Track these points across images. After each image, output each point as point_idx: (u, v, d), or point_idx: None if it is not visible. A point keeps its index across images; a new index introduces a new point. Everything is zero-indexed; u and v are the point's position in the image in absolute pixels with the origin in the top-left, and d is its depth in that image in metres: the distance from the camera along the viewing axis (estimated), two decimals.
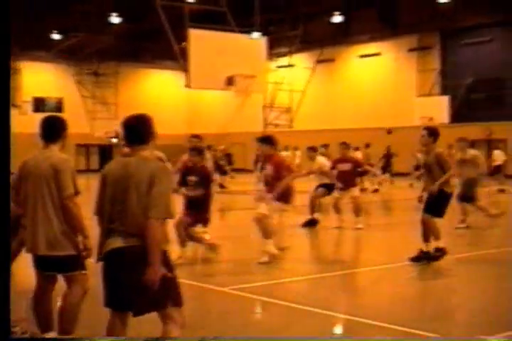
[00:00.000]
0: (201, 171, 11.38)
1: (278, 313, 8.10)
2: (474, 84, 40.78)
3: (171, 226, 10.85)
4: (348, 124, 45.21)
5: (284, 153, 31.02)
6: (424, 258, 10.71)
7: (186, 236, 11.07)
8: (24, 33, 41.67)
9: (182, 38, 25.11)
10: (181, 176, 11.46)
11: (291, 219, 14.21)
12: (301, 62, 49.79)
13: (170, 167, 10.88)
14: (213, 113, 55.32)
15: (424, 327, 7.04)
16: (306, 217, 15.91)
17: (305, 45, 47.93)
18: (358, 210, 15.63)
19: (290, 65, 49.79)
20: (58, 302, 6.27)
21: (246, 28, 27.09)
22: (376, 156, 31.29)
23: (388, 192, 28.41)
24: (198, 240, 11.54)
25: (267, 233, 11.10)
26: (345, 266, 11.30)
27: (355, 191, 15.89)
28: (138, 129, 5.30)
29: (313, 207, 15.99)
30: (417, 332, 6.89)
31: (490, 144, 38.37)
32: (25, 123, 32.01)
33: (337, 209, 15.79)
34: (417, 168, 23.87)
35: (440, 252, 10.71)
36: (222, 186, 27.95)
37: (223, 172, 29.00)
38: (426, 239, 10.78)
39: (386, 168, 31.17)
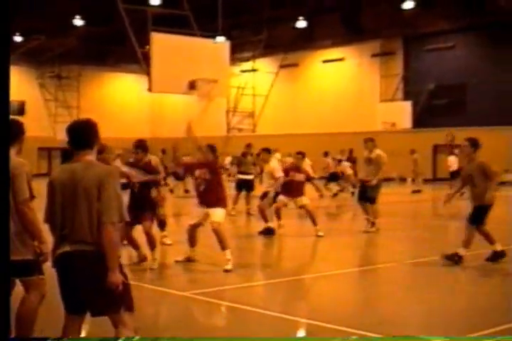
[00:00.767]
0: (144, 168, 11.25)
1: (238, 317, 8.12)
2: (437, 89, 41.15)
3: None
4: (311, 129, 45.39)
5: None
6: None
7: (126, 236, 10.77)
8: None
9: (145, 41, 25.03)
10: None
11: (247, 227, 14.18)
12: (264, 67, 49.86)
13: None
14: (177, 117, 55.13)
15: (378, 329, 7.10)
16: (262, 224, 15.62)
17: (269, 49, 47.96)
18: (313, 218, 15.30)
19: (253, 70, 49.84)
20: (17, 307, 6.20)
21: (209, 33, 27.03)
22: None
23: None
24: (134, 244, 11.18)
25: (225, 243, 10.92)
26: (302, 271, 11.34)
27: (304, 199, 15.48)
28: (83, 134, 5.31)
29: (278, 214, 15.57)
30: (370, 334, 6.92)
31: (452, 149, 38.75)
32: None
33: (278, 214, 15.50)
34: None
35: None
36: (186, 191, 27.80)
37: (178, 178, 28.47)
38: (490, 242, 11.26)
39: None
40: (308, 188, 16.20)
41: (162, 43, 22.53)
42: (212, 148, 11.33)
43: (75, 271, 5.02)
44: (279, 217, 15.52)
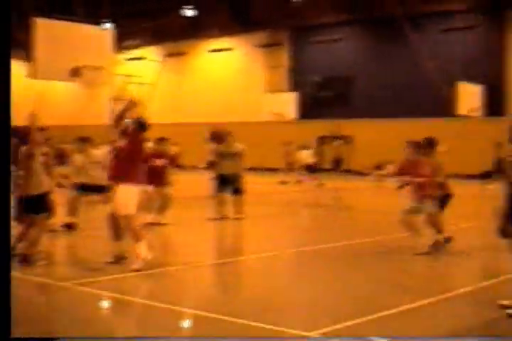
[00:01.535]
0: None
1: (124, 308, 7.95)
2: (323, 81, 41.69)
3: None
4: (199, 118, 45.24)
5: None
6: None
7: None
8: None
9: (27, 27, 24.32)
10: None
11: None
12: (151, 55, 49.46)
13: None
14: (61, 105, 54.08)
15: (261, 318, 7.11)
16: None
17: (156, 38, 47.59)
18: (164, 207, 15.02)
19: (141, 58, 49.34)
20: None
21: (96, 19, 26.54)
22: None
23: None
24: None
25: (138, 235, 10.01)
26: (189, 260, 11.14)
27: (167, 188, 15.18)
28: None
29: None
30: (255, 324, 6.94)
31: (338, 140, 39.50)
32: None
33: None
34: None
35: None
36: None
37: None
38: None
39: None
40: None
41: (45, 29, 21.88)
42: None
43: None
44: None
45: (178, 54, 48.39)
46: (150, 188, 14.09)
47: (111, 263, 10.05)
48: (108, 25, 26.85)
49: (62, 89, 50.84)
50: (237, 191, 16.22)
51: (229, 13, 44.14)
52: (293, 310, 7.90)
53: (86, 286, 8.71)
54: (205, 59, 47.90)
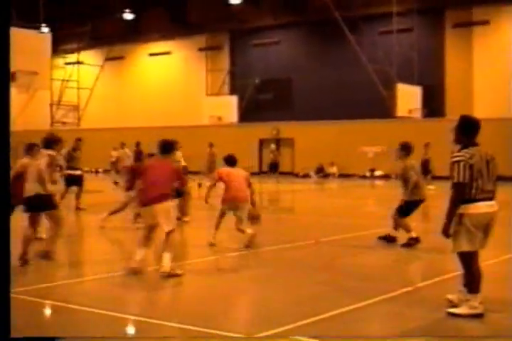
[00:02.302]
0: None
1: (63, 316, 7.72)
2: (262, 84, 41.79)
3: None
4: (139, 123, 44.99)
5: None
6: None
7: None
8: None
9: None
10: None
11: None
12: (89, 59, 49.04)
13: None
14: None
15: (208, 324, 7.04)
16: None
17: (94, 41, 47.20)
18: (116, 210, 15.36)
19: (78, 62, 48.88)
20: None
21: (31, 23, 26.12)
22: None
23: None
24: None
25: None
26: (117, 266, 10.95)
27: None
28: None
29: None
30: (198, 329, 6.86)
31: (278, 143, 39.59)
32: None
33: None
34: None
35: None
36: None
37: None
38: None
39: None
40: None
41: None
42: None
43: None
44: None
45: (118, 58, 48.06)
46: None
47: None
48: (45, 29, 26.44)
49: None
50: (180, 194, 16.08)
51: (168, 16, 43.94)
52: (236, 313, 7.86)
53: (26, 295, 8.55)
54: (144, 63, 47.64)
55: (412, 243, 12.26)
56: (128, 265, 9.88)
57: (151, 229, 10.02)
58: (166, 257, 9.71)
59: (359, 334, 6.94)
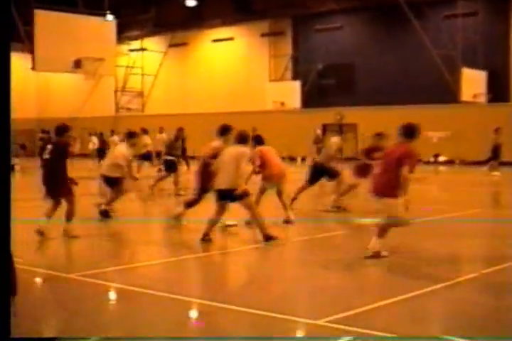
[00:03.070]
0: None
1: (131, 299, 7.83)
2: (325, 69, 41.56)
3: None
4: (202, 109, 45.28)
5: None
6: None
7: None
8: None
9: (29, 19, 24.27)
10: None
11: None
12: (153, 46, 49.38)
13: None
14: (64, 97, 54.09)
15: (272, 308, 7.07)
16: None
17: (158, 28, 47.49)
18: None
19: (142, 49, 49.26)
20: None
21: (96, 11, 26.43)
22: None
23: None
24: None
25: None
26: (190, 251, 11.07)
27: None
28: None
29: None
30: (266, 313, 6.90)
31: (342, 128, 39.37)
32: None
33: None
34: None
35: None
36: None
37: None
38: None
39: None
40: None
41: (46, 21, 21.92)
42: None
43: None
44: None
45: (181, 44, 48.30)
46: None
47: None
48: (110, 17, 26.72)
49: (66, 81, 50.80)
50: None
51: (230, 2, 43.97)
52: (297, 298, 7.91)
53: (91, 278, 8.72)
54: (207, 49, 47.79)
55: None
56: None
57: None
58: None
59: (426, 318, 6.93)
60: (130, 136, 15.51)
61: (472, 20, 35.53)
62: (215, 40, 47.03)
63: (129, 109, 48.39)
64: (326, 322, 6.57)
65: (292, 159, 38.52)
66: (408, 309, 7.27)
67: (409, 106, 36.82)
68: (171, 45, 48.55)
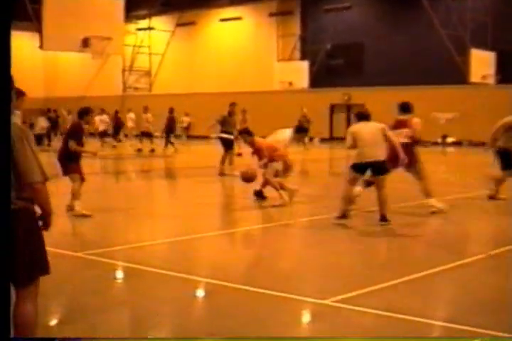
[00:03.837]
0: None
1: (139, 278, 7.86)
2: (333, 49, 41.39)
3: None
4: (209, 88, 45.22)
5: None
6: None
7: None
8: None
9: None
10: None
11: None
12: (161, 25, 49.24)
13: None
14: (71, 75, 54.02)
15: (279, 287, 7.11)
16: None
17: (165, 7, 47.33)
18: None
19: (150, 28, 49.11)
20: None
21: None
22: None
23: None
24: None
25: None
26: (199, 230, 11.11)
27: None
28: None
29: None
30: (272, 293, 6.94)
31: (349, 109, 39.30)
32: None
33: None
34: None
35: None
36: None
37: None
38: None
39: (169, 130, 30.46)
40: None
41: (54, 0, 21.84)
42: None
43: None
44: None
45: (188, 23, 48.15)
46: None
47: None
48: None
49: (73, 60, 50.72)
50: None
51: None
52: (309, 277, 7.93)
53: (98, 256, 8.76)
54: (215, 28, 47.63)
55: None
56: None
57: None
58: None
59: (432, 298, 6.95)
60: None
61: (482, 1, 35.32)
62: (222, 20, 46.86)
63: (136, 89, 48.35)
64: (333, 301, 6.58)
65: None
66: (416, 289, 7.30)
67: (418, 86, 36.67)
68: (179, 25, 48.41)
